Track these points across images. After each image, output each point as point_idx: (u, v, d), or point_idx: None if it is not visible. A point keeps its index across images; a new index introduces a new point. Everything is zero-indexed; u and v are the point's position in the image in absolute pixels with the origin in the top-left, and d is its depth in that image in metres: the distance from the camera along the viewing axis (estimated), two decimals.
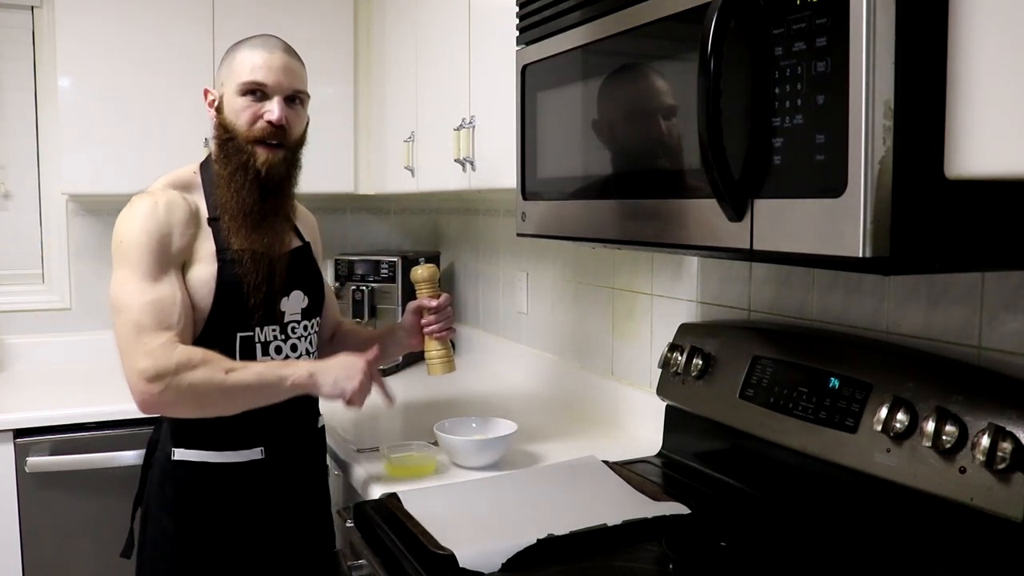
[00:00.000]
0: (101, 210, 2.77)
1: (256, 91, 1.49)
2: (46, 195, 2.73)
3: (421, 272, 1.72)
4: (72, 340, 2.75)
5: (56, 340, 2.74)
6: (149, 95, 2.47)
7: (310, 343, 1.61)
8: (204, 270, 1.48)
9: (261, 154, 1.49)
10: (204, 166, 1.57)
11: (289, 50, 1.54)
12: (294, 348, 1.57)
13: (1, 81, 2.67)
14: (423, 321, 1.71)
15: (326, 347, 1.76)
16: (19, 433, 2.12)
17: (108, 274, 2.88)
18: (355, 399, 1.47)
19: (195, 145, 2.49)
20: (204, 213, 1.50)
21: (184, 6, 2.49)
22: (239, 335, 1.50)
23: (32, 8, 2.68)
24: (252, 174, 1.49)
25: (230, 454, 1.51)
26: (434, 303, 1.71)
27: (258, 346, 1.52)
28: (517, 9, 1.45)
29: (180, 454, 1.51)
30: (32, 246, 2.76)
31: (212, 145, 1.55)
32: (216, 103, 1.54)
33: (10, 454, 2.11)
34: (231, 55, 1.53)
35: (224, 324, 1.48)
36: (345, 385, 1.46)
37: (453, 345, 1.89)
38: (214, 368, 1.40)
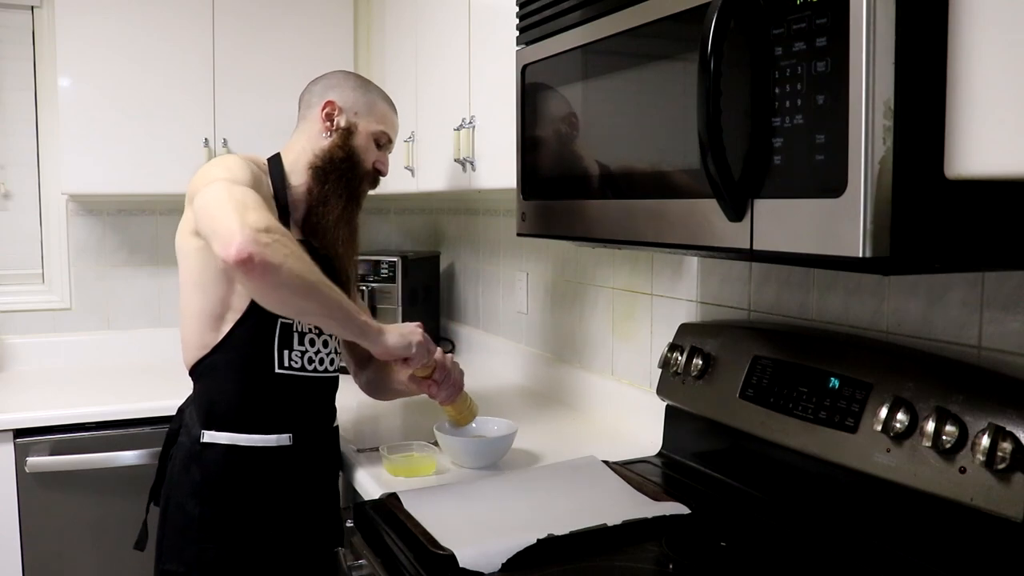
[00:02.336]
0: (101, 210, 2.77)
1: (384, 144, 1.72)
2: (46, 195, 2.73)
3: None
4: (72, 340, 2.76)
5: (56, 340, 2.74)
6: (149, 95, 2.47)
7: (338, 342, 1.68)
8: None
9: (365, 192, 1.72)
10: (271, 160, 1.65)
11: None
12: (326, 344, 1.63)
13: (1, 81, 2.67)
14: (432, 397, 1.66)
15: (367, 366, 1.82)
16: (19, 433, 2.11)
17: (108, 274, 2.91)
18: (413, 360, 1.52)
19: (195, 145, 2.50)
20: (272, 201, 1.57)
21: (184, 6, 2.49)
22: (280, 321, 1.55)
23: (32, 8, 2.68)
24: (355, 202, 1.68)
25: (259, 437, 1.55)
26: (435, 391, 1.64)
27: (295, 335, 1.58)
28: (517, 9, 1.45)
29: (209, 436, 1.54)
30: (32, 246, 2.76)
31: (321, 154, 1.64)
32: (346, 126, 1.66)
33: (10, 454, 2.11)
34: (369, 95, 1.70)
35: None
36: (405, 348, 1.50)
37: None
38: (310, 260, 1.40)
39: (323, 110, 1.65)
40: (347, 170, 1.65)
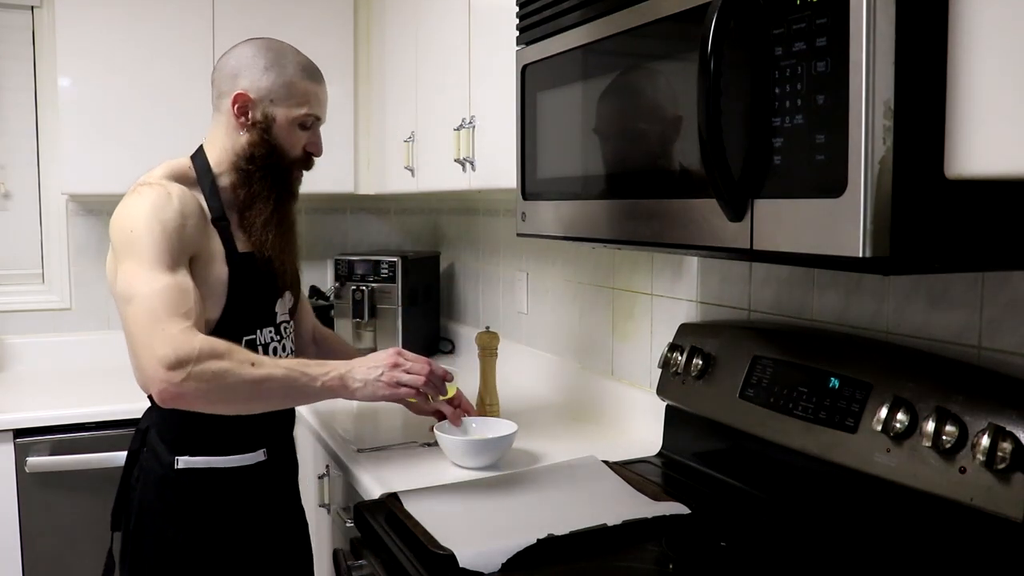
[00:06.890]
0: (101, 210, 2.77)
1: (312, 124, 1.54)
2: (46, 195, 2.74)
3: (487, 339, 1.92)
4: (72, 340, 2.76)
5: (56, 340, 2.74)
6: (149, 95, 2.47)
7: (292, 342, 1.64)
8: (218, 271, 1.45)
9: (299, 178, 1.57)
10: (195, 159, 1.52)
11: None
12: (284, 348, 1.59)
13: (1, 81, 2.67)
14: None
15: (309, 352, 1.80)
16: (19, 433, 2.12)
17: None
18: (401, 393, 1.43)
19: (195, 145, 2.48)
20: (207, 212, 1.47)
21: (184, 6, 2.49)
22: (244, 339, 1.48)
23: (32, 8, 2.68)
24: (289, 194, 1.54)
25: (235, 458, 1.50)
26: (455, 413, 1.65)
27: (259, 348, 1.52)
28: (517, 9, 1.45)
29: (184, 462, 1.47)
30: (32, 246, 2.76)
31: (242, 153, 1.49)
32: (262, 119, 1.48)
33: (10, 454, 2.11)
34: (283, 73, 1.49)
35: (232, 327, 1.46)
36: (377, 388, 1.41)
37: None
38: (240, 359, 1.32)
39: (234, 105, 1.47)
40: (272, 167, 1.49)
